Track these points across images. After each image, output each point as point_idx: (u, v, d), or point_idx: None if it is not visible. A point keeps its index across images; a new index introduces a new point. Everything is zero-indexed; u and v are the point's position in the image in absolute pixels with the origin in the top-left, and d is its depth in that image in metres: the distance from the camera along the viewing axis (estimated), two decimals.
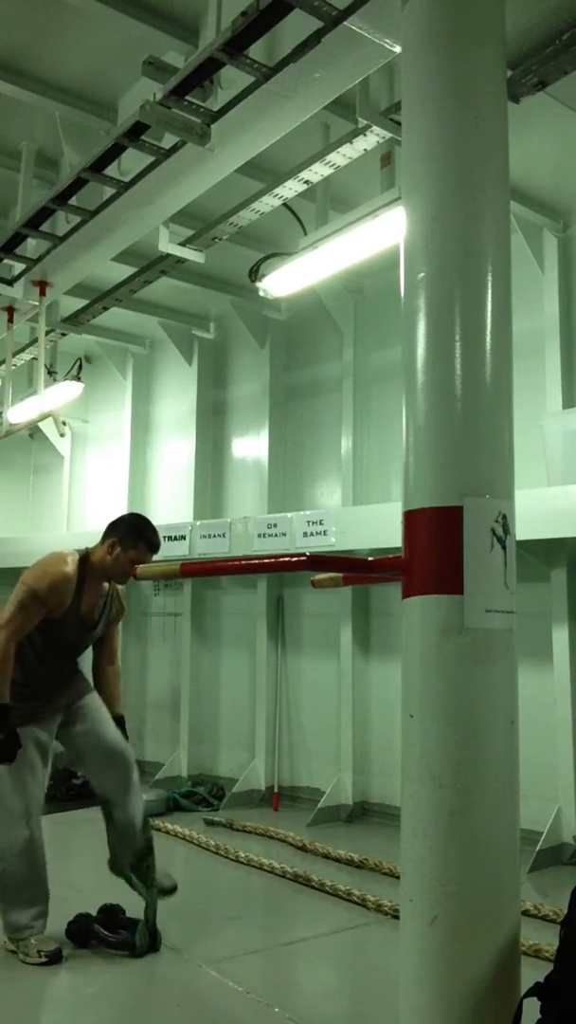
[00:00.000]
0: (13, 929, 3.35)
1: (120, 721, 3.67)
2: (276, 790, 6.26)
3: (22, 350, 6.83)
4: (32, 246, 5.05)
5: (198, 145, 3.62)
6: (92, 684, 3.69)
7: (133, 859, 3.50)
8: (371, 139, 3.95)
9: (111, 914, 3.52)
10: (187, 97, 3.50)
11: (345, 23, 2.94)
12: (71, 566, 3.39)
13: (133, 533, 3.46)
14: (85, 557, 3.47)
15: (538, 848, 4.54)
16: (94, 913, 3.51)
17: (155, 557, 3.57)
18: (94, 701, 3.63)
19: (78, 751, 3.59)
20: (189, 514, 7.18)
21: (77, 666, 3.66)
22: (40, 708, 3.42)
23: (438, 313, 2.24)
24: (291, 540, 5.73)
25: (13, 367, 6.74)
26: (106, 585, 3.57)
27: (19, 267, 5.26)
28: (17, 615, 3.27)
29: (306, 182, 4.35)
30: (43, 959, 3.26)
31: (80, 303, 6.49)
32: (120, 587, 3.69)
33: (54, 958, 3.27)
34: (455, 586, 2.12)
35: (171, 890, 3.63)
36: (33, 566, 3.43)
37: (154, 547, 3.50)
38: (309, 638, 6.44)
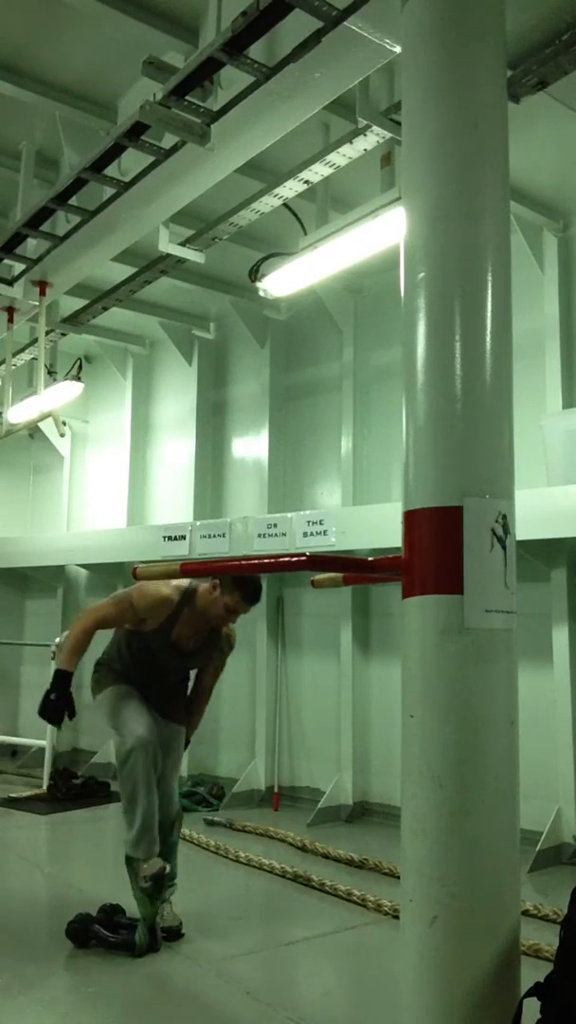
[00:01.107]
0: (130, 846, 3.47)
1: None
2: (276, 790, 6.26)
3: (22, 350, 6.83)
4: (32, 246, 5.05)
5: (198, 145, 3.61)
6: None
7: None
8: (371, 139, 3.95)
9: (111, 914, 3.52)
10: (187, 97, 3.50)
11: (345, 23, 2.93)
12: (174, 591, 3.56)
13: (233, 580, 3.54)
14: (193, 590, 3.59)
15: (538, 848, 4.54)
16: (94, 913, 3.51)
17: (153, 557, 3.58)
18: (178, 744, 3.77)
19: None
20: (189, 514, 7.18)
21: (174, 692, 3.78)
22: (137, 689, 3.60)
23: (438, 313, 2.24)
24: (291, 540, 5.73)
25: (13, 367, 6.74)
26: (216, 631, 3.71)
27: (19, 267, 5.26)
28: (107, 606, 3.59)
29: (306, 182, 4.35)
30: (147, 883, 3.39)
31: (80, 303, 6.49)
32: (230, 631, 3.83)
33: (156, 879, 3.39)
34: (455, 586, 2.12)
35: (176, 929, 3.59)
36: (137, 587, 3.62)
37: (250, 599, 3.56)
38: (309, 638, 6.44)
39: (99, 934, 3.43)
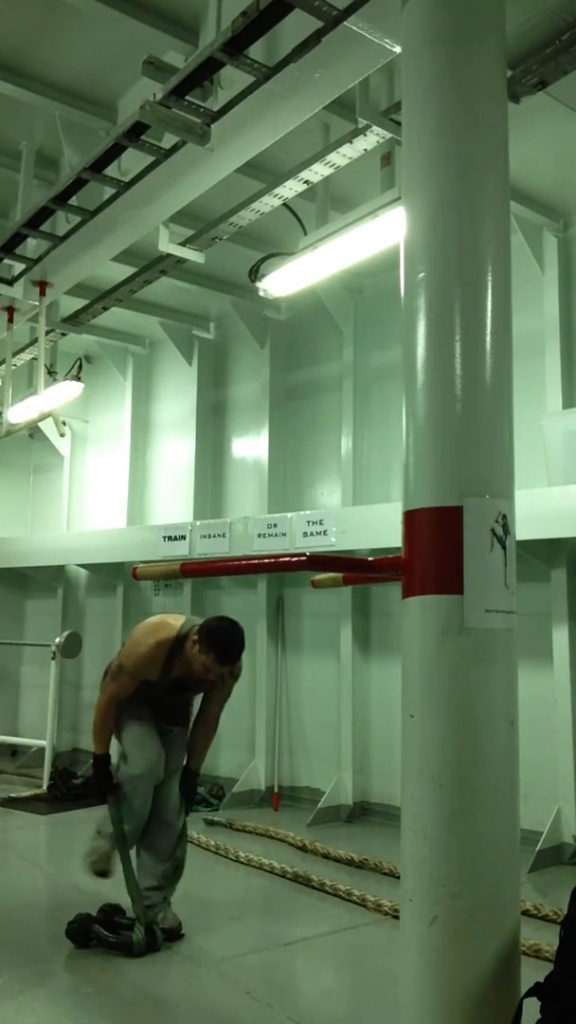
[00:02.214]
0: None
1: (190, 775, 3.84)
2: (276, 790, 6.26)
3: (22, 350, 6.83)
4: (32, 246, 5.05)
5: (198, 145, 3.61)
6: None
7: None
8: (371, 139, 3.95)
9: (111, 914, 3.52)
10: (187, 97, 3.50)
11: (345, 23, 2.93)
12: (161, 642, 3.57)
13: (208, 639, 3.49)
14: (184, 637, 3.57)
15: (538, 848, 4.54)
16: (94, 913, 3.51)
17: (153, 557, 3.59)
18: (178, 745, 3.82)
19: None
20: (189, 514, 7.18)
21: (176, 716, 3.83)
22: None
23: (438, 313, 2.24)
24: (291, 540, 5.73)
25: (13, 367, 6.75)
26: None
27: (19, 267, 5.26)
28: (111, 685, 3.65)
29: (306, 182, 4.35)
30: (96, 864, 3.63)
31: (80, 303, 6.49)
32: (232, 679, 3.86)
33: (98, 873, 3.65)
34: (455, 586, 2.12)
35: (176, 930, 3.61)
36: (131, 635, 3.74)
37: (222, 660, 3.52)
38: (309, 638, 6.44)
39: (99, 934, 3.43)
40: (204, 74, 3.38)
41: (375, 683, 5.97)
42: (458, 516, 2.14)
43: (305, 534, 5.67)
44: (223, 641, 3.50)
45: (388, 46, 2.99)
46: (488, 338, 2.23)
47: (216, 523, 6.34)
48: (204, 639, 3.47)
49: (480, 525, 2.14)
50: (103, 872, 3.66)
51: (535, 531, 4.37)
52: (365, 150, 4.05)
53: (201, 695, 3.89)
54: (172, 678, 3.64)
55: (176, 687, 3.70)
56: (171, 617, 3.74)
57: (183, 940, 3.56)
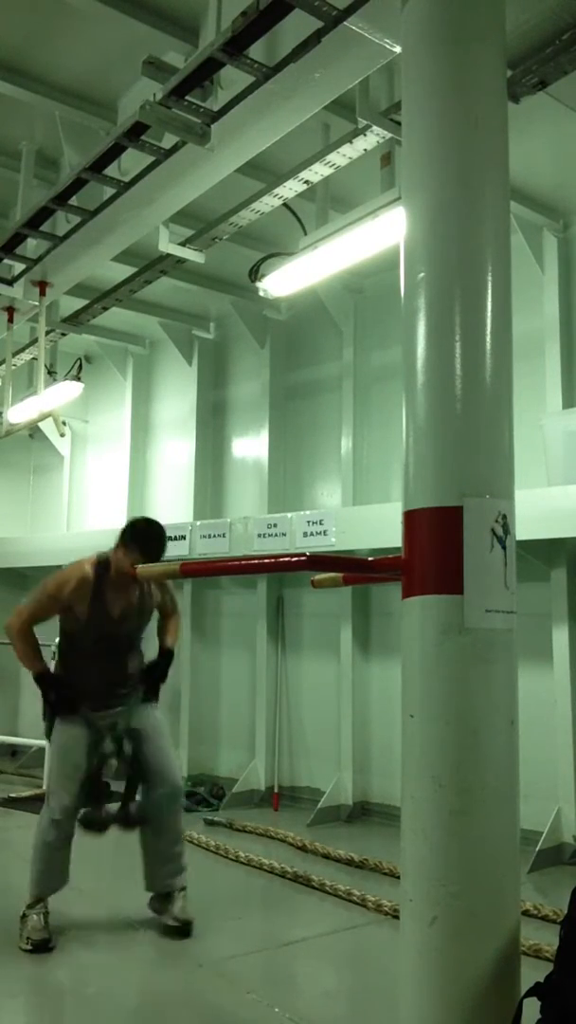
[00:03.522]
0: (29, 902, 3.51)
1: (165, 655, 3.83)
2: (276, 790, 6.26)
3: (22, 350, 6.83)
4: (32, 246, 5.05)
5: (198, 145, 3.61)
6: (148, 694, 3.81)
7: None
8: (371, 139, 3.95)
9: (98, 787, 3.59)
10: (187, 97, 3.50)
11: (345, 23, 2.93)
12: (87, 567, 3.58)
13: (132, 538, 3.57)
14: (106, 560, 3.60)
15: (538, 848, 4.53)
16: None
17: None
18: (152, 725, 3.75)
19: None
20: (189, 514, 7.18)
21: (125, 669, 3.73)
22: (86, 703, 3.60)
23: (438, 313, 2.24)
24: (291, 540, 5.73)
25: (13, 367, 6.74)
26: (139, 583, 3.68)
27: (19, 267, 5.26)
28: (30, 605, 3.63)
29: (306, 182, 4.35)
30: (28, 946, 3.38)
31: (80, 303, 6.48)
32: (158, 583, 3.83)
33: (39, 948, 3.38)
34: (455, 586, 2.12)
35: (187, 925, 3.63)
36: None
37: (148, 556, 3.50)
38: (309, 638, 6.44)
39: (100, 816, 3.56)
40: (204, 74, 3.38)
41: (375, 683, 5.97)
42: (458, 516, 2.14)
43: (305, 534, 5.66)
44: (143, 533, 3.59)
45: (388, 46, 2.99)
46: (488, 338, 2.22)
47: (216, 523, 6.34)
48: (126, 540, 3.55)
49: (480, 525, 2.14)
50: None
51: (535, 531, 4.37)
52: (365, 150, 4.05)
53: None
54: (108, 610, 3.57)
55: (117, 622, 3.62)
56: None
57: (183, 940, 3.56)
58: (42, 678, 3.59)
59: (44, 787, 6.48)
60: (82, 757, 3.56)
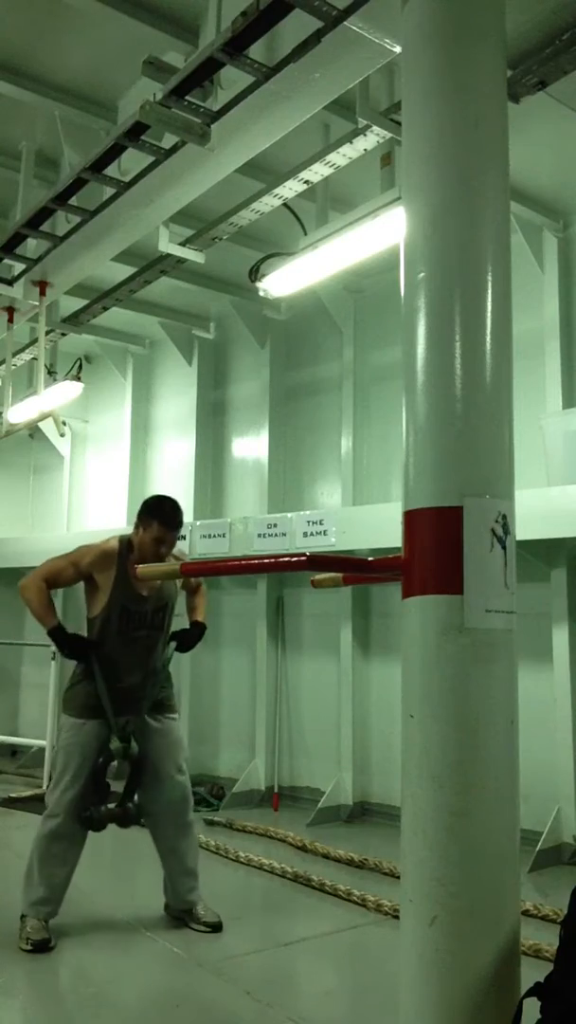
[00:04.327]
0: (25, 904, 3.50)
1: (196, 627, 3.90)
2: (276, 790, 6.26)
3: (22, 350, 6.83)
4: (32, 246, 5.05)
5: (198, 145, 3.61)
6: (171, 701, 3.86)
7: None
8: (371, 139, 3.95)
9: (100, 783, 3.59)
10: (187, 97, 3.50)
11: (345, 23, 2.93)
12: (111, 544, 3.66)
13: (148, 512, 3.63)
14: (128, 540, 3.68)
15: (538, 848, 4.54)
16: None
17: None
18: (168, 730, 3.77)
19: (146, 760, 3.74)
20: (189, 514, 7.17)
21: (148, 665, 3.72)
22: (107, 703, 3.58)
23: (438, 313, 2.24)
24: (291, 540, 5.73)
25: (13, 367, 6.74)
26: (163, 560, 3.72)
27: (19, 267, 5.26)
28: (49, 562, 3.66)
29: (306, 182, 4.35)
30: (28, 947, 3.37)
31: (80, 303, 6.49)
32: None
33: (39, 948, 3.37)
34: (455, 586, 2.12)
35: (217, 926, 3.68)
36: None
37: (168, 524, 3.60)
38: (309, 638, 6.44)
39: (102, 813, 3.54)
40: (204, 74, 3.38)
41: (375, 683, 5.97)
42: (458, 516, 2.14)
43: (305, 534, 5.67)
44: (158, 506, 3.64)
45: (388, 46, 2.99)
46: (488, 338, 2.22)
47: (216, 523, 6.34)
48: (144, 515, 3.61)
49: (480, 525, 2.14)
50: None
51: (535, 531, 4.37)
52: (365, 150, 4.05)
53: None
54: (133, 587, 3.59)
55: (137, 602, 3.63)
56: None
57: (183, 940, 3.56)
58: (55, 632, 3.59)
59: (45, 785, 6.49)
60: (90, 758, 3.56)
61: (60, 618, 3.62)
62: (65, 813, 3.51)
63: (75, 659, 3.64)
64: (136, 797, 3.69)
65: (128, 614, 3.64)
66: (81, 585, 3.70)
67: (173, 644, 3.83)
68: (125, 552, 3.65)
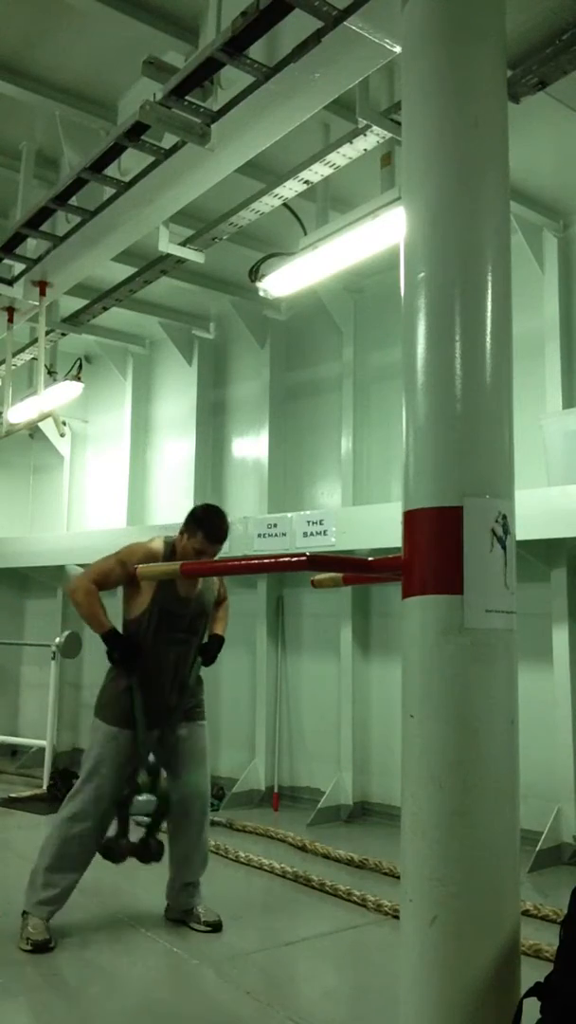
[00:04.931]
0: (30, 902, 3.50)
1: (214, 640, 3.88)
2: (276, 790, 6.26)
3: (22, 350, 6.83)
4: (32, 246, 5.05)
5: (198, 145, 3.61)
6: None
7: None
8: (371, 139, 3.95)
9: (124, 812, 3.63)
10: (187, 97, 3.50)
11: (345, 23, 2.93)
12: (156, 544, 3.68)
13: (195, 521, 3.63)
14: (173, 543, 3.69)
15: (538, 848, 4.54)
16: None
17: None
18: (195, 737, 3.76)
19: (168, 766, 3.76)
20: None
21: (184, 671, 3.72)
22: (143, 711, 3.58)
23: (438, 313, 2.24)
24: (291, 540, 5.73)
25: (13, 367, 6.74)
26: None
27: (19, 267, 5.26)
28: (95, 567, 3.64)
29: (306, 182, 4.35)
30: (28, 947, 3.37)
31: (80, 303, 6.49)
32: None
33: (39, 948, 3.37)
34: (455, 586, 2.12)
35: (218, 926, 3.69)
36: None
37: (212, 537, 3.59)
38: (309, 638, 6.44)
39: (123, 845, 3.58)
40: (204, 74, 3.38)
41: (375, 683, 5.97)
42: (458, 516, 2.14)
43: (305, 534, 5.67)
44: (207, 517, 3.63)
45: (388, 46, 2.99)
46: (488, 338, 2.22)
47: None
48: (190, 524, 3.63)
49: (480, 525, 2.14)
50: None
51: (535, 531, 4.37)
52: (365, 150, 4.05)
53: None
54: (176, 590, 3.59)
55: (178, 604, 3.62)
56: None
57: (183, 940, 3.56)
58: (109, 636, 3.56)
59: (45, 785, 6.49)
60: (119, 772, 3.56)
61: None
62: (93, 820, 3.50)
63: (124, 664, 3.58)
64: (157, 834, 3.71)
65: (169, 617, 3.62)
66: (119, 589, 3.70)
67: (199, 658, 3.83)
68: (168, 554, 3.63)
